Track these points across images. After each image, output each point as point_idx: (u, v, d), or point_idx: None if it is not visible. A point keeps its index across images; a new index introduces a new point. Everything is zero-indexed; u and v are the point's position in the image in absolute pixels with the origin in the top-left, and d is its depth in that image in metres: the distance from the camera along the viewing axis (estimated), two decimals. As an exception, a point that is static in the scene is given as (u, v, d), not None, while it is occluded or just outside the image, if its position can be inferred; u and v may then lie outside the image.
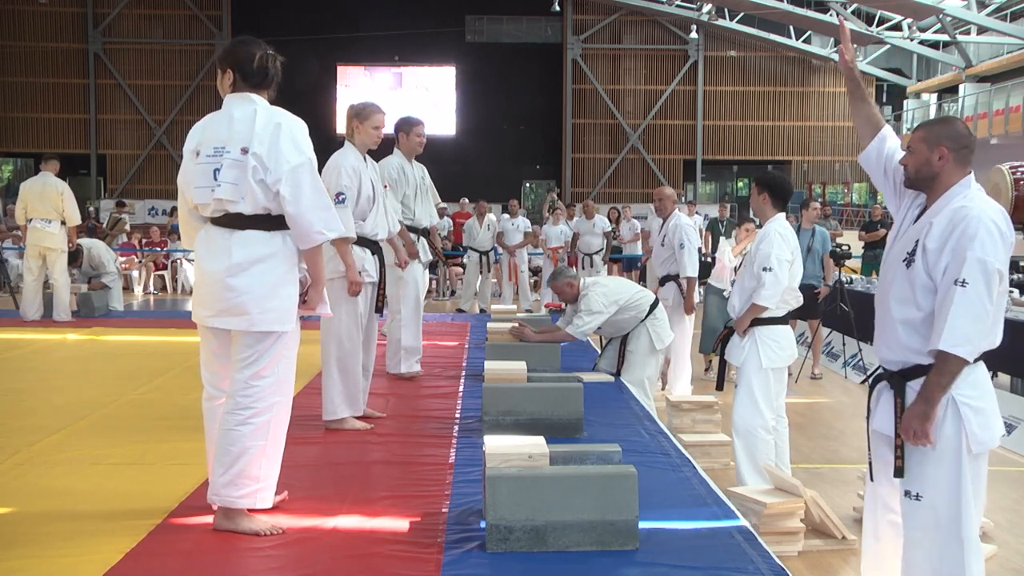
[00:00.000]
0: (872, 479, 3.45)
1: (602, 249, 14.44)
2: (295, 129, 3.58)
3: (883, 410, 3.34)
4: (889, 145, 3.52)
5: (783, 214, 5.59)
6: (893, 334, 3.28)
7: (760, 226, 5.63)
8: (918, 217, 3.32)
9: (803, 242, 9.58)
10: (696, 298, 8.64)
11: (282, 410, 3.69)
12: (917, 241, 3.22)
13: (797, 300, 5.57)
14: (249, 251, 3.58)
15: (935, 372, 3.12)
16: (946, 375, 3.10)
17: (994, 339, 3.17)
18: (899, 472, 3.23)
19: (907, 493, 3.22)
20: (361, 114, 5.43)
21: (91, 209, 26.49)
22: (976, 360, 3.17)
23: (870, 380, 3.52)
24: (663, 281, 8.27)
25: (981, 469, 3.22)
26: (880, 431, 3.36)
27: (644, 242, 16.18)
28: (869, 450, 3.45)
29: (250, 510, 3.64)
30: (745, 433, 5.40)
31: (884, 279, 3.38)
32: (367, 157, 5.49)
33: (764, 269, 5.38)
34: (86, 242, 12.38)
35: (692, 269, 8.05)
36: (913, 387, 3.22)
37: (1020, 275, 10.78)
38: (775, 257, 5.36)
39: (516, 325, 7.07)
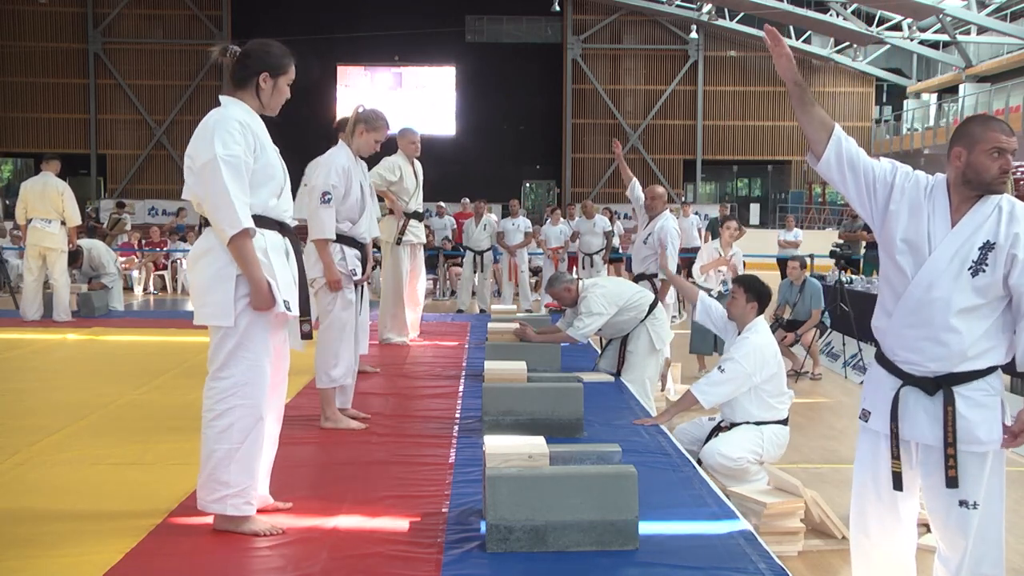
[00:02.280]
0: (901, 488, 3.24)
1: (602, 249, 14.44)
2: (219, 126, 3.51)
3: (919, 418, 3.18)
4: (847, 146, 3.26)
5: (761, 317, 5.65)
6: (942, 342, 3.10)
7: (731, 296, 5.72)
8: (954, 221, 3.12)
9: (791, 296, 9.74)
10: (670, 298, 8.65)
11: (247, 416, 3.57)
12: (985, 250, 3.05)
13: (790, 399, 5.61)
14: (197, 246, 3.64)
15: None
16: None
17: None
18: (953, 482, 3.09)
19: (963, 503, 3.11)
20: (369, 123, 5.50)
21: (90, 209, 26.47)
22: None
23: (895, 388, 3.25)
24: (637, 279, 8.23)
25: None
26: (914, 439, 3.20)
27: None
28: (897, 458, 3.23)
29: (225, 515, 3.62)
30: (729, 474, 5.37)
31: (928, 286, 3.11)
32: (359, 160, 5.53)
33: (719, 367, 5.44)
34: (86, 243, 12.37)
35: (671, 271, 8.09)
36: (963, 393, 3.11)
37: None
38: (737, 361, 5.37)
39: (519, 325, 7.07)
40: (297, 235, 3.90)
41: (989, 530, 3.13)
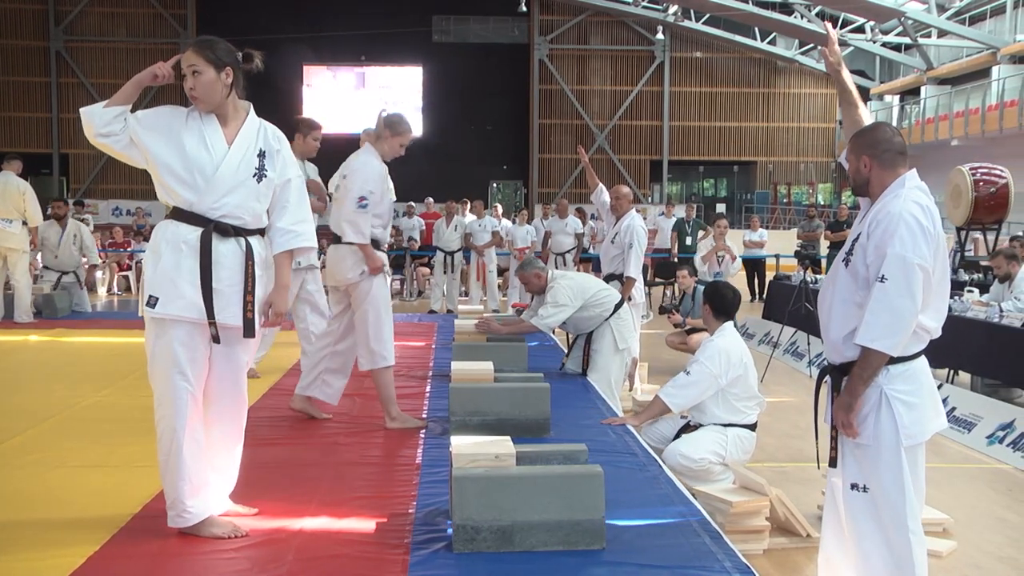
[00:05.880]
0: (833, 465, 3.49)
1: (573, 248, 14.47)
2: None
3: (829, 404, 3.45)
4: None
5: (730, 322, 5.69)
6: (833, 331, 3.36)
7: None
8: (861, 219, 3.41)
9: (689, 304, 9.67)
10: (640, 297, 8.64)
11: (166, 428, 3.53)
12: (855, 241, 3.31)
13: (761, 407, 5.64)
14: None
15: (858, 366, 3.23)
16: (867, 369, 3.20)
17: (933, 331, 3.29)
18: (832, 462, 3.36)
19: (854, 486, 3.31)
20: (395, 127, 5.45)
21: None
22: (916, 355, 3.27)
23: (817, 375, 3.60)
24: (607, 279, 8.24)
25: (918, 460, 3.30)
26: (829, 424, 3.45)
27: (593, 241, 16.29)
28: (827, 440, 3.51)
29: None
30: (691, 475, 5.38)
31: (829, 279, 3.46)
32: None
33: (686, 370, 5.48)
34: (73, 225, 11.85)
35: (635, 271, 8.09)
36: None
37: (979, 275, 10.95)
38: (702, 363, 5.40)
39: (481, 319, 7.09)
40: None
41: (884, 516, 3.24)
